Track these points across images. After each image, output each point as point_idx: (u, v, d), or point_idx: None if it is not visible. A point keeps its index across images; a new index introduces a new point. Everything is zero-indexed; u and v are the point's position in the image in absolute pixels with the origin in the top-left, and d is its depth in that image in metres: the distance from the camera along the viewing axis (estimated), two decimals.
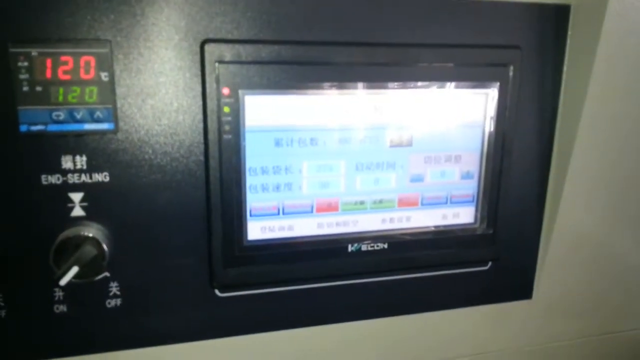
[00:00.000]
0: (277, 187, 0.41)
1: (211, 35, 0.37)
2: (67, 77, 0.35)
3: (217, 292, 0.42)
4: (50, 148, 0.36)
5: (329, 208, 0.42)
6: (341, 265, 0.43)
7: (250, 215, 0.41)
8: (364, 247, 0.43)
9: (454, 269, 0.47)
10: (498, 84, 0.43)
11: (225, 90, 0.38)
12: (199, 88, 0.38)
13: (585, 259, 0.50)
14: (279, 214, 0.41)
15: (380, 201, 0.43)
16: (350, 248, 0.43)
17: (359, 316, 0.46)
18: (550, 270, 0.49)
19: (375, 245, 0.43)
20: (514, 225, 0.47)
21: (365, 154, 0.42)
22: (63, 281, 0.35)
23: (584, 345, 0.55)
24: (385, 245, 0.43)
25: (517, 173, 0.45)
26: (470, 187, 0.45)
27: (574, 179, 0.46)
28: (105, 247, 0.37)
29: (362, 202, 0.43)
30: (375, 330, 0.47)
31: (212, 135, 0.38)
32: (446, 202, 0.45)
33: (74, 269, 0.35)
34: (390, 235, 0.43)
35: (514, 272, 0.49)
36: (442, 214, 0.45)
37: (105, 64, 0.35)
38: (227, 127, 0.38)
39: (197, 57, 0.37)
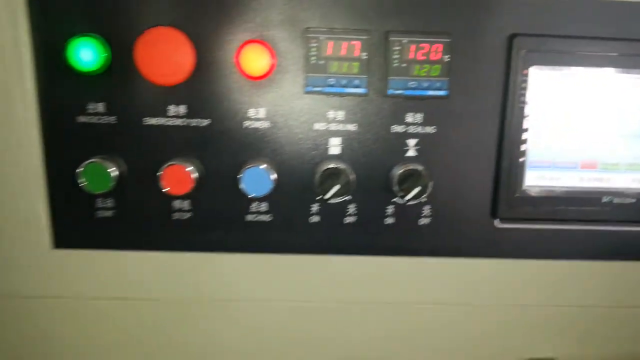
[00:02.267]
0: (551, 147, 0.54)
1: (518, 31, 0.51)
2: (423, 57, 0.51)
3: (497, 223, 0.56)
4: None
5: (590, 166, 0.54)
6: (595, 212, 0.55)
7: (529, 167, 0.54)
8: (615, 200, 0.55)
9: None
10: None
11: (525, 72, 0.52)
12: (502, 69, 0.52)
13: None
14: (550, 167, 0.54)
15: (632, 164, 0.54)
16: (604, 199, 0.55)
17: (602, 257, 0.57)
18: None
19: (625, 199, 0.55)
20: None
21: (624, 126, 0.53)
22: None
23: None
24: (633, 200, 0.55)
25: None
26: None
27: None
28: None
29: (617, 164, 0.54)
30: (609, 271, 0.58)
31: (510, 105, 0.52)
32: None
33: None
34: (638, 192, 0.54)
35: None
36: None
37: (447, 50, 0.51)
38: (522, 99, 0.52)
39: (504, 47, 0.51)
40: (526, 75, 0.52)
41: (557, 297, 0.58)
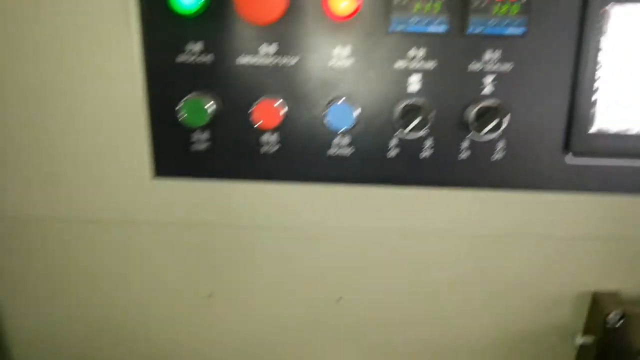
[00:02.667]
0: (626, 84, 0.55)
1: None
2: None
3: (569, 158, 0.58)
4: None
5: None
6: None
7: (603, 104, 0.56)
8: None
9: None
10: None
11: (603, 10, 0.53)
12: (580, 6, 0.53)
13: None
14: (624, 104, 0.56)
15: None
16: None
17: None
18: None
19: None
20: None
21: None
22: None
23: None
24: None
25: None
26: None
27: None
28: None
29: None
30: None
31: (586, 42, 0.54)
32: None
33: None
34: None
35: None
36: None
37: None
38: (599, 37, 0.54)
39: None
40: (604, 13, 0.53)
41: (624, 230, 0.61)
